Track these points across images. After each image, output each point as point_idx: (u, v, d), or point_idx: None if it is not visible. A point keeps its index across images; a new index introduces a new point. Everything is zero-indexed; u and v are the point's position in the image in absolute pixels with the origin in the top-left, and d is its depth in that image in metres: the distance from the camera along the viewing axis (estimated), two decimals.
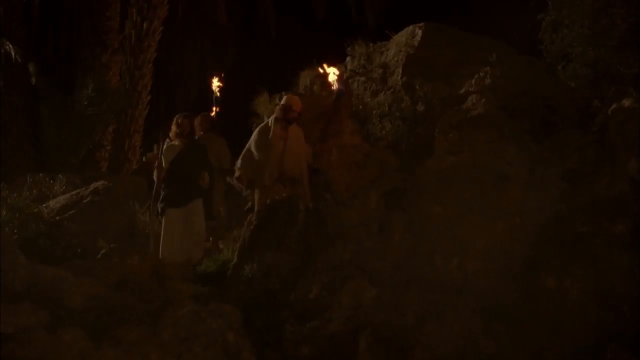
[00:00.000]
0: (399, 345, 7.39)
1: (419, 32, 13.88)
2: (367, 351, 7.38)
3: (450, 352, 7.59)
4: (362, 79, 14.00)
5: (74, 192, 12.48)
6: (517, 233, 10.85)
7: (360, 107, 13.08)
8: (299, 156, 11.52)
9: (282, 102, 11.76)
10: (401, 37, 14.18)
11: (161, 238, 10.92)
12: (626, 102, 12.21)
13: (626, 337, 9.73)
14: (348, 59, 14.64)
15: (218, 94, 12.90)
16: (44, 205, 11.91)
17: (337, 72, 11.93)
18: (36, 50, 20.45)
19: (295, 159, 11.47)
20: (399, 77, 13.44)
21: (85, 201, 12.07)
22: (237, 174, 11.52)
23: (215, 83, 12.98)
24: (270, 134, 11.36)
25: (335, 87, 11.77)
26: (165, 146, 11.31)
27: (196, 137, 12.17)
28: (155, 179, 11.16)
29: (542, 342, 9.76)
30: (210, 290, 8.74)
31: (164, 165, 11.18)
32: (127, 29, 21.24)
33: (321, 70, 12.41)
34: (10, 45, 16.79)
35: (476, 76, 12.97)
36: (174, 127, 11.41)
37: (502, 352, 8.91)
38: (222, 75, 13.49)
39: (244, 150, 11.58)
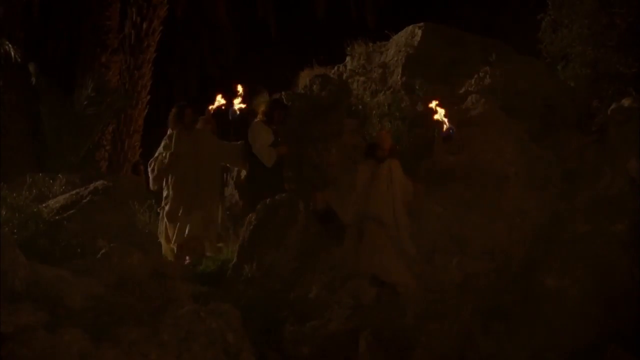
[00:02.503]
0: (398, 345, 7.40)
1: (419, 32, 13.86)
2: (367, 351, 7.39)
3: (449, 352, 7.60)
4: (362, 78, 13.97)
5: (74, 192, 12.46)
6: (517, 233, 10.86)
7: (360, 106, 13.06)
8: (393, 197, 10.60)
9: (371, 140, 11.31)
10: (401, 37, 14.17)
11: None
12: (626, 102, 12.22)
13: (626, 337, 9.74)
14: (348, 58, 14.62)
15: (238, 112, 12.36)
16: (43, 205, 11.89)
17: (443, 112, 11.41)
18: (36, 50, 20.42)
19: (386, 199, 10.58)
20: (398, 77, 13.42)
21: (84, 201, 12.05)
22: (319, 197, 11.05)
23: (237, 104, 12.35)
24: (357, 175, 10.77)
25: (445, 126, 11.29)
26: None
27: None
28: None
29: (541, 342, 9.75)
30: (209, 289, 8.74)
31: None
32: (127, 28, 21.22)
33: (424, 107, 11.79)
34: (10, 45, 16.79)
35: (476, 76, 12.97)
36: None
37: (501, 352, 8.92)
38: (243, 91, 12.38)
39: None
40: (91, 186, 12.52)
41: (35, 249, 8.84)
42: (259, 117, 11.71)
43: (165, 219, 11.43)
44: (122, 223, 11.93)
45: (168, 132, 11.64)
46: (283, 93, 13.10)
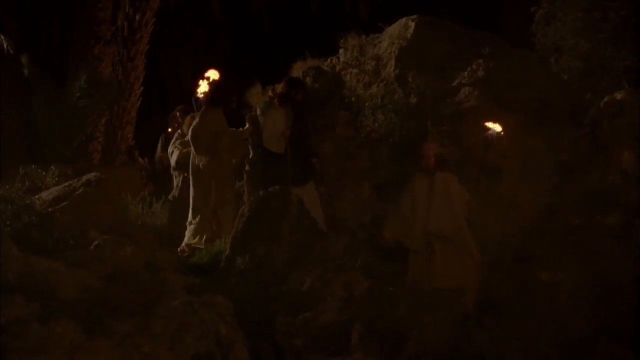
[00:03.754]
0: (391, 336, 7.40)
1: (412, 25, 13.87)
2: (360, 343, 7.38)
3: (442, 344, 7.60)
4: (355, 70, 13.96)
5: (66, 184, 12.42)
6: (510, 225, 10.89)
7: (353, 99, 13.06)
8: (452, 210, 10.37)
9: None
10: (394, 29, 14.16)
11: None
12: (618, 95, 12.25)
13: (618, 330, 9.77)
14: (341, 51, 14.61)
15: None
16: (36, 196, 11.85)
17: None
18: (28, 42, 20.35)
19: (446, 213, 10.36)
20: (391, 70, 13.43)
21: (77, 192, 12.00)
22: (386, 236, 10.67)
23: (200, 91, 11.99)
24: (414, 192, 10.52)
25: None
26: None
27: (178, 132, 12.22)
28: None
29: (534, 334, 9.79)
30: (202, 281, 8.72)
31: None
32: (120, 20, 21.13)
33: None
34: (3, 37, 16.73)
35: (469, 69, 12.98)
36: None
37: (495, 344, 8.93)
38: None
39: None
40: (84, 178, 12.48)
41: (28, 241, 8.81)
42: (275, 102, 11.53)
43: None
44: (115, 215, 11.92)
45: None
46: (276, 85, 13.08)
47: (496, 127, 10.70)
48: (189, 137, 11.41)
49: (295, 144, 10.87)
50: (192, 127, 11.28)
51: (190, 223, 11.35)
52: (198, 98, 11.52)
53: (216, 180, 11.10)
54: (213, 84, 11.63)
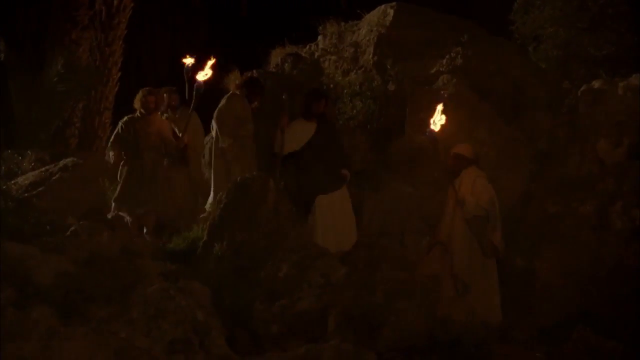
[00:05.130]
0: (368, 323, 7.42)
1: (391, 12, 13.85)
2: (336, 329, 7.40)
3: (418, 330, 7.63)
4: (334, 57, 13.96)
5: (43, 169, 12.38)
6: None
7: (332, 85, 13.06)
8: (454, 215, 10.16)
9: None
10: (373, 16, 14.15)
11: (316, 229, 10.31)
12: (596, 84, 12.29)
13: (594, 317, 9.82)
14: (320, 37, 14.59)
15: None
16: (12, 182, 11.82)
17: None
18: (5, 26, 20.20)
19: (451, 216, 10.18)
20: (370, 57, 13.43)
21: (54, 178, 11.97)
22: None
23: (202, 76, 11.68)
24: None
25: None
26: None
27: (165, 115, 11.98)
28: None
29: (510, 321, 9.83)
30: (179, 268, 8.70)
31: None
32: (97, 4, 20.99)
33: None
34: None
35: (447, 56, 12.99)
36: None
37: (470, 331, 8.96)
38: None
39: None
40: (61, 163, 12.44)
41: (4, 226, 8.77)
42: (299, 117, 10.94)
43: None
44: (91, 200, 11.88)
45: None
46: (255, 71, 13.04)
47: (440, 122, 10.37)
48: (214, 118, 11.21)
49: (322, 155, 10.56)
50: (218, 109, 11.12)
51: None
52: (200, 84, 11.26)
53: (240, 166, 10.93)
54: (249, 78, 11.67)
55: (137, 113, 11.38)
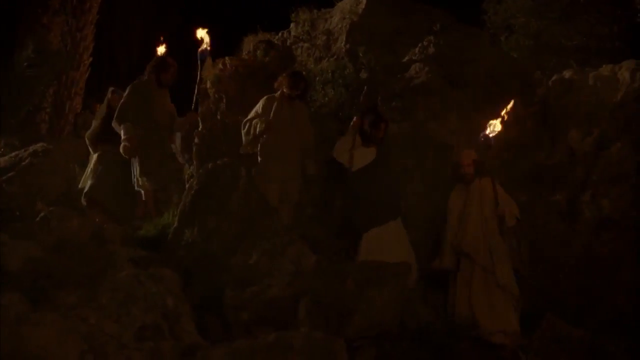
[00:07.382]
0: (338, 311, 7.43)
1: (363, 0, 13.85)
2: (307, 317, 7.40)
3: (388, 319, 7.65)
4: (306, 45, 13.94)
5: (13, 154, 12.33)
6: None
7: (304, 73, 13.04)
8: (485, 220, 10.07)
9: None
10: (345, 4, 14.14)
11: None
12: (567, 74, 12.36)
13: (563, 305, 9.89)
14: (292, 25, 14.56)
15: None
16: None
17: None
18: None
19: (479, 226, 10.08)
20: (342, 44, 13.41)
21: (24, 163, 11.92)
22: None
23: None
24: (448, 205, 10.36)
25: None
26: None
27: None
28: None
29: None
30: (150, 254, 8.68)
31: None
32: None
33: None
34: None
35: (420, 45, 12.99)
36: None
37: (440, 319, 9.02)
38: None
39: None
40: (31, 148, 12.39)
41: None
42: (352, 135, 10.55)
43: None
44: (61, 186, 11.83)
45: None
46: (227, 58, 13.01)
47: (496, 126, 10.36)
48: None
49: (376, 182, 10.24)
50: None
51: None
52: (204, 51, 11.19)
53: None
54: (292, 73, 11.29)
55: None
